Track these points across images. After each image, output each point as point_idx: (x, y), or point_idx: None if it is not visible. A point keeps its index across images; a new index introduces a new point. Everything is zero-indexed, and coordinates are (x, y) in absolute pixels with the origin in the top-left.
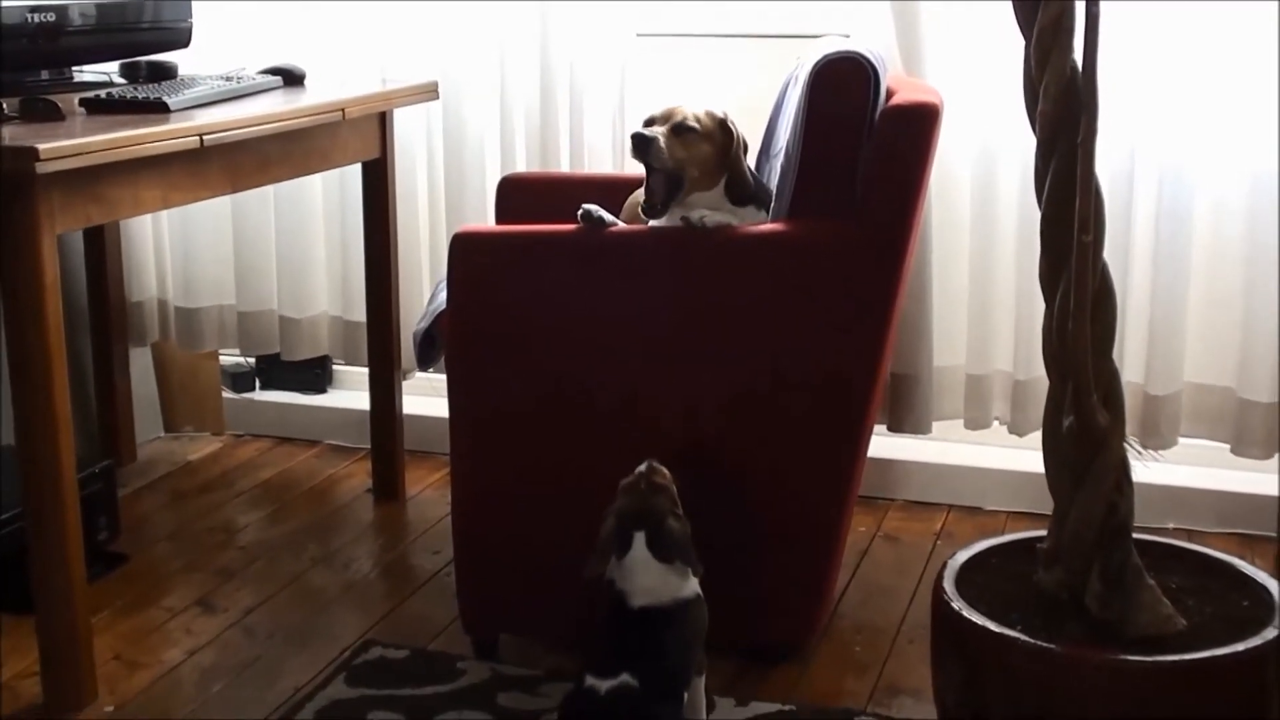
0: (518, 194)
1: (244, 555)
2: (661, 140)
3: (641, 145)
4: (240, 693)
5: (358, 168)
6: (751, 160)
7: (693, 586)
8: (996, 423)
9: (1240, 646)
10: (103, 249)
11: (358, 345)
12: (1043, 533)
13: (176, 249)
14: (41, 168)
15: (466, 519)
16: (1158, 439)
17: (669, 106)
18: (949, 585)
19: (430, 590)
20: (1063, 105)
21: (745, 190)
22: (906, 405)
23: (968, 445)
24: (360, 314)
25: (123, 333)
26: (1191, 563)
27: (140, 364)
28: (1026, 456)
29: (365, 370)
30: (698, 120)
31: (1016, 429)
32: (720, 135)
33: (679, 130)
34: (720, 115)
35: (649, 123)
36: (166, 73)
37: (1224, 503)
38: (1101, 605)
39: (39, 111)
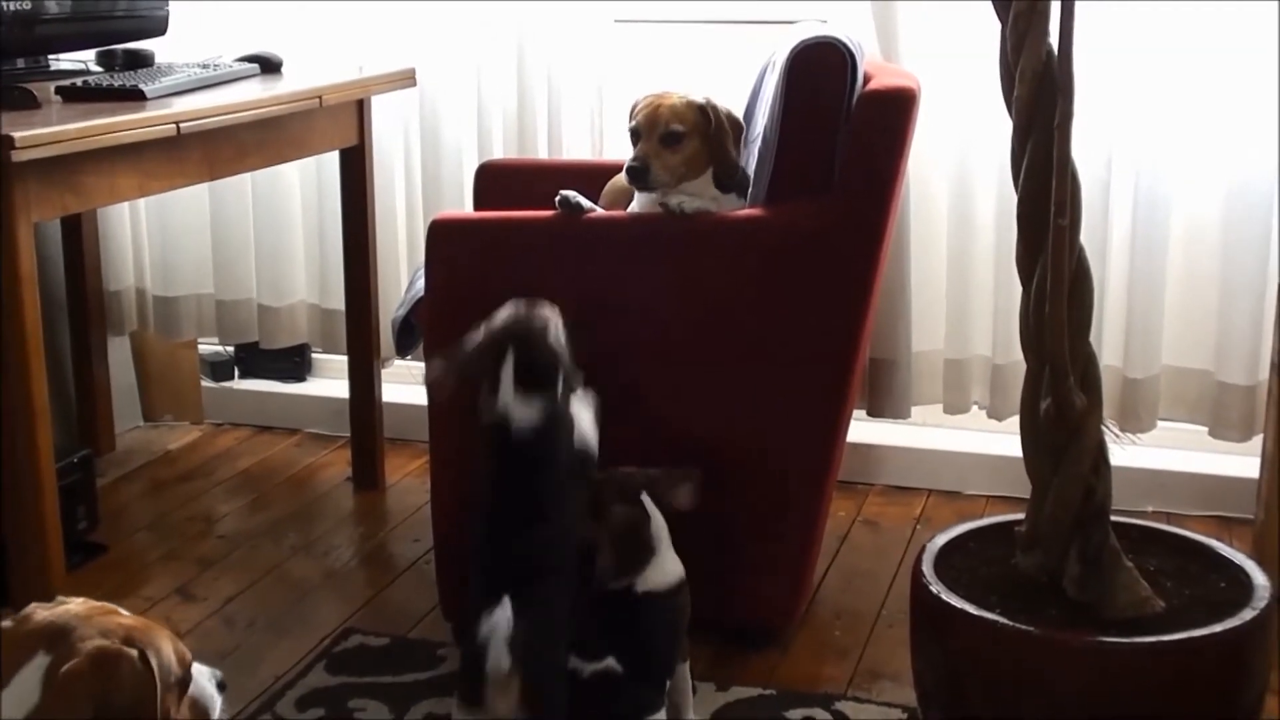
0: (496, 181)
1: (223, 544)
2: (655, 166)
3: (639, 176)
4: None
5: (335, 155)
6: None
7: (678, 571)
8: (975, 407)
9: (1218, 627)
10: (80, 238)
11: (336, 333)
12: (1021, 516)
13: (154, 238)
14: (17, 156)
15: (446, 507)
16: (1136, 422)
17: (649, 105)
18: (928, 569)
19: (410, 578)
20: (1038, 89)
21: (733, 173)
22: (885, 390)
23: (947, 430)
24: (339, 302)
25: (101, 322)
26: (1169, 545)
27: (119, 353)
28: (1005, 440)
29: (344, 358)
30: (680, 119)
31: (995, 413)
32: (701, 122)
33: (667, 140)
34: (699, 101)
35: (634, 136)
36: (143, 60)
37: (1202, 485)
38: (1079, 587)
39: (15, 100)
